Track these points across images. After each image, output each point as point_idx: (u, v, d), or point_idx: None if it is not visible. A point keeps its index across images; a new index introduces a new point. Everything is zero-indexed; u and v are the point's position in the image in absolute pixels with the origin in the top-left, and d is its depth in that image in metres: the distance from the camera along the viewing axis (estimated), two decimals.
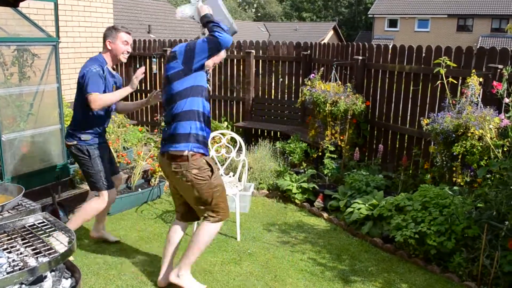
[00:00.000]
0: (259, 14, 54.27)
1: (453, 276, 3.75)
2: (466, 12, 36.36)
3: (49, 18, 6.14)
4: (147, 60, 8.67)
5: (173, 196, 3.60)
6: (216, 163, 4.62)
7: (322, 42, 7.43)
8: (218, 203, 3.33)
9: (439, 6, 36.92)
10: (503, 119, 4.07)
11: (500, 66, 4.53)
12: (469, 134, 4.13)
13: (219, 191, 3.32)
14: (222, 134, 5.02)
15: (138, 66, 8.74)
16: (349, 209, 4.75)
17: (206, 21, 3.08)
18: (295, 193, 5.44)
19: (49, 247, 2.08)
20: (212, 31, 3.01)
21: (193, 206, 3.40)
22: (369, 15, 40.78)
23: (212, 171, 3.29)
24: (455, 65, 4.91)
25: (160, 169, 5.46)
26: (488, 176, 3.97)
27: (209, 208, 3.32)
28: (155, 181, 5.44)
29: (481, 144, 4.10)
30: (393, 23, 39.06)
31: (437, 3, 37.05)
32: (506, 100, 3.89)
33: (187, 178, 3.19)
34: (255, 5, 56.35)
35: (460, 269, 3.75)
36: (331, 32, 38.36)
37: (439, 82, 4.98)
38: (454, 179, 4.40)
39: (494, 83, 4.12)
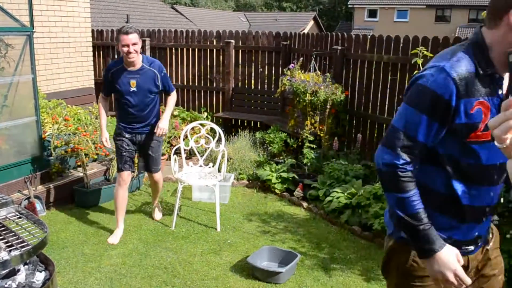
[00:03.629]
0: (239, 4, 53.93)
1: None
2: (444, 2, 36.75)
3: (23, 7, 5.99)
4: None
5: None
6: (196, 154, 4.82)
7: (302, 32, 7.43)
8: None
9: None
10: None
11: None
12: None
13: None
14: (201, 124, 5.00)
15: (116, 56, 8.63)
16: (328, 198, 4.79)
17: None
18: (275, 183, 5.45)
19: (21, 240, 2.04)
20: None
21: None
22: (349, 5, 40.87)
23: None
24: (431, 55, 4.95)
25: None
26: None
27: None
28: (134, 173, 5.39)
29: None
30: (372, 14, 39.25)
31: None
32: None
33: None
34: None
35: None
36: (312, 23, 38.35)
37: (416, 72, 5.02)
38: None
39: None
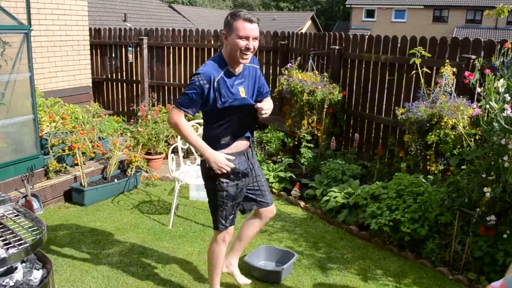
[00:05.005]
0: (237, 3, 53.88)
1: (426, 262, 3.83)
2: (442, 3, 36.82)
3: (20, 5, 5.99)
4: (123, 49, 8.55)
5: None
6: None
7: (300, 32, 7.43)
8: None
9: None
10: (475, 108, 4.15)
11: (473, 57, 4.60)
12: (442, 123, 4.20)
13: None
14: (199, 124, 4.99)
15: (113, 55, 8.62)
16: (326, 198, 4.79)
17: None
18: (272, 182, 5.46)
19: (19, 238, 2.04)
20: None
21: None
22: (347, 5, 40.90)
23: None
24: (429, 55, 4.97)
25: (137, 160, 5.42)
26: (461, 164, 4.04)
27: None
28: (131, 171, 5.39)
29: (454, 133, 4.18)
30: (370, 14, 39.28)
31: None
32: (478, 89, 3.97)
33: None
34: None
35: (433, 255, 3.83)
36: (309, 22, 38.36)
37: (414, 72, 5.04)
38: (428, 167, 4.48)
39: (466, 73, 4.19)
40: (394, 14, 38.40)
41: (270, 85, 7.61)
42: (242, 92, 2.86)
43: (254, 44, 2.73)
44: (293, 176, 5.48)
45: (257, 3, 54.36)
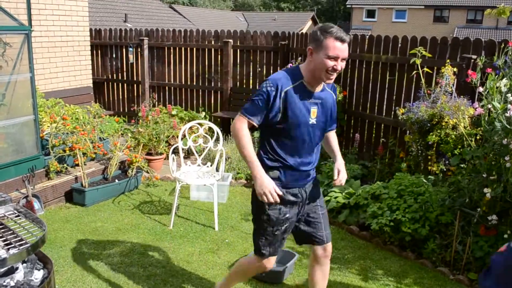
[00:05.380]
0: (237, 4, 53.90)
1: (427, 262, 3.83)
2: (443, 3, 36.80)
3: (21, 6, 6.00)
4: (124, 50, 8.55)
5: None
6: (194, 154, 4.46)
7: (300, 32, 7.43)
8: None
9: None
10: (476, 108, 4.14)
11: (474, 56, 4.60)
12: (443, 123, 4.19)
13: None
14: (199, 124, 5.00)
15: (114, 55, 8.63)
16: (326, 198, 4.79)
17: None
18: None
19: (19, 238, 2.04)
20: None
21: None
22: (348, 5, 40.89)
23: None
24: (430, 55, 4.97)
25: (138, 160, 5.43)
26: (461, 164, 4.04)
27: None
28: (132, 172, 5.39)
29: (455, 133, 4.17)
30: (371, 14, 39.27)
31: None
32: (480, 89, 3.96)
33: None
34: None
35: (434, 255, 3.83)
36: (310, 22, 38.35)
37: (414, 72, 5.03)
38: (429, 167, 4.47)
39: (469, 72, 4.19)
40: (394, 14, 38.39)
41: None
42: (314, 113, 2.59)
43: (342, 65, 2.50)
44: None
45: (257, 3, 54.37)
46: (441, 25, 35.98)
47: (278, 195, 2.50)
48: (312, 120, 2.58)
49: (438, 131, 4.24)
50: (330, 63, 2.44)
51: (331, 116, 2.75)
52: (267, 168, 2.58)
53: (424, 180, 4.32)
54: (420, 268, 3.82)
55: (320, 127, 2.66)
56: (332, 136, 2.93)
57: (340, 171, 2.77)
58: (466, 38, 4.89)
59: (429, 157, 4.47)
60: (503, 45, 3.90)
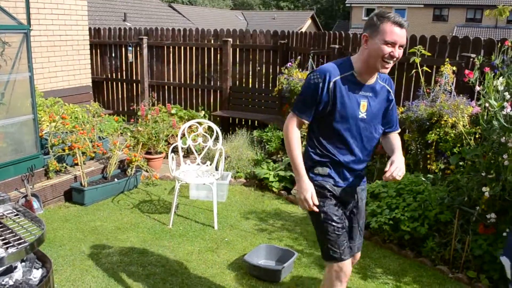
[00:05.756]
0: (237, 3, 53.86)
1: (426, 260, 3.84)
2: (442, 2, 36.80)
3: (20, 5, 5.99)
4: (123, 49, 8.55)
5: None
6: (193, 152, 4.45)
7: (300, 31, 7.43)
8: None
9: None
10: (474, 107, 4.15)
11: (473, 55, 4.60)
12: (442, 122, 4.20)
13: None
14: (199, 123, 5.00)
15: (113, 54, 8.62)
16: None
17: None
18: (272, 181, 5.46)
19: (18, 237, 2.04)
20: None
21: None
22: (347, 4, 40.88)
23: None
24: (429, 54, 4.97)
25: (137, 159, 5.43)
26: (460, 163, 4.05)
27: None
28: (131, 171, 5.39)
29: (454, 131, 4.18)
30: (370, 12, 38.92)
31: None
32: (478, 88, 3.97)
33: None
34: None
35: (433, 253, 3.83)
36: (309, 21, 38.34)
37: (414, 71, 5.04)
38: (428, 166, 4.47)
39: (466, 71, 4.19)
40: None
41: (270, 85, 7.62)
42: (364, 107, 2.42)
43: (399, 52, 2.32)
44: (293, 175, 5.47)
45: (257, 2, 54.33)
46: (440, 24, 35.98)
47: (327, 195, 2.44)
48: (362, 114, 2.42)
49: (437, 129, 4.24)
50: (387, 49, 2.28)
51: (387, 113, 2.57)
52: (315, 163, 2.49)
53: (423, 179, 4.32)
54: (419, 266, 3.82)
55: (371, 123, 2.48)
56: (395, 137, 2.67)
57: (394, 162, 2.39)
58: (466, 37, 4.89)
59: (428, 155, 4.48)
60: (500, 44, 3.91)
